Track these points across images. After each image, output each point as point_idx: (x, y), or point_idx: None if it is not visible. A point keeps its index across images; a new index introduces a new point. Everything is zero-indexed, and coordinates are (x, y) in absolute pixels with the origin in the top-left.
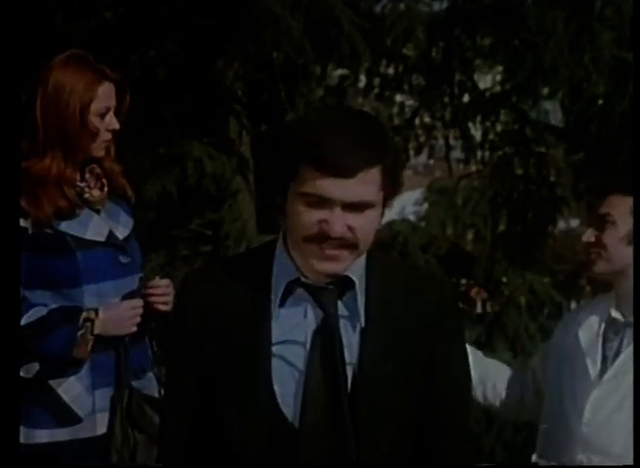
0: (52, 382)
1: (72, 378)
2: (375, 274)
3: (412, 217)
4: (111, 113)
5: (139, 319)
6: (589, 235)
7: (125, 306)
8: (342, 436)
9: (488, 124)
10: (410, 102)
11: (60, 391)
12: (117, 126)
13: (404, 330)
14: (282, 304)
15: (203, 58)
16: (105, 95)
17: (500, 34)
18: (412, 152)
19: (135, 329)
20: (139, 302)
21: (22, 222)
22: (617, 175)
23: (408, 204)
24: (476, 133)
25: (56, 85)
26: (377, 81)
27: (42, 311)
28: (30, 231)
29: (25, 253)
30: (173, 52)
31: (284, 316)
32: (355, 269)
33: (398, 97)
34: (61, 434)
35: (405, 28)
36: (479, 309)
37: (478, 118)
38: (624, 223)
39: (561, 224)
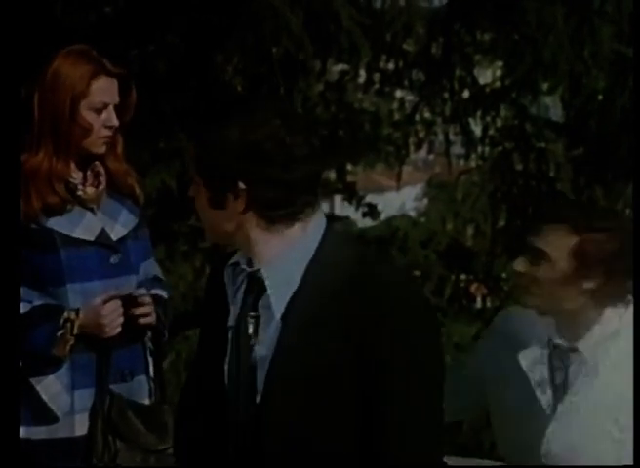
0: (32, 379)
1: (51, 377)
2: (318, 264)
3: (412, 213)
4: (110, 109)
5: (119, 322)
6: (518, 265)
7: (104, 309)
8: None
9: (488, 119)
10: (410, 98)
11: (38, 388)
12: (115, 122)
13: (326, 324)
14: (238, 288)
15: (203, 53)
16: (102, 90)
17: (499, 29)
18: (412, 147)
19: (116, 331)
20: (116, 305)
21: None
22: (575, 208)
23: (408, 199)
24: (476, 128)
25: (53, 77)
26: (377, 76)
27: (25, 308)
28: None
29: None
30: (172, 46)
31: (238, 300)
32: (273, 260)
33: (398, 93)
34: (38, 432)
35: (405, 23)
36: (479, 304)
37: (478, 113)
38: (562, 264)
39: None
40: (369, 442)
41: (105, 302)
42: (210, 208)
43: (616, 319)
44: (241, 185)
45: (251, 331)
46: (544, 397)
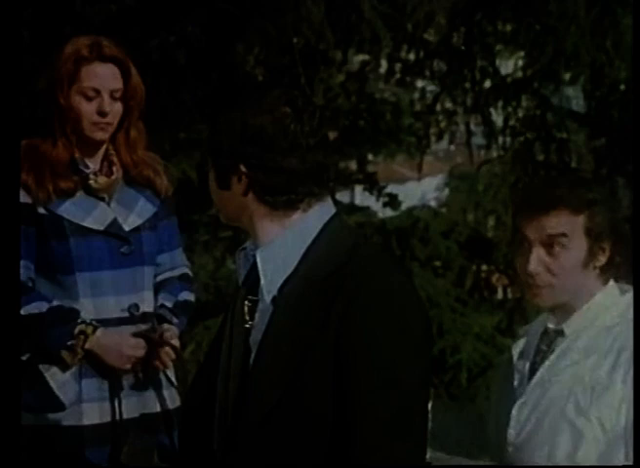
0: (41, 367)
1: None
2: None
3: (433, 203)
4: (104, 95)
5: (134, 359)
6: (536, 265)
7: (126, 342)
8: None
9: (509, 109)
10: (431, 88)
11: (47, 376)
12: (107, 109)
13: (309, 311)
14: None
15: (224, 43)
16: (93, 75)
17: (521, 19)
18: (433, 138)
19: (128, 367)
20: (139, 343)
21: (29, 199)
22: (565, 187)
23: (429, 190)
24: (497, 118)
25: (54, 63)
26: (398, 66)
27: (42, 307)
28: (34, 208)
29: (30, 229)
30: (193, 36)
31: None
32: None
33: (419, 83)
34: (45, 419)
35: (426, 14)
36: (500, 295)
37: (499, 104)
38: (580, 246)
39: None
40: (342, 433)
41: (135, 336)
42: (217, 188)
43: (609, 298)
44: (243, 168)
45: (247, 314)
46: (519, 379)
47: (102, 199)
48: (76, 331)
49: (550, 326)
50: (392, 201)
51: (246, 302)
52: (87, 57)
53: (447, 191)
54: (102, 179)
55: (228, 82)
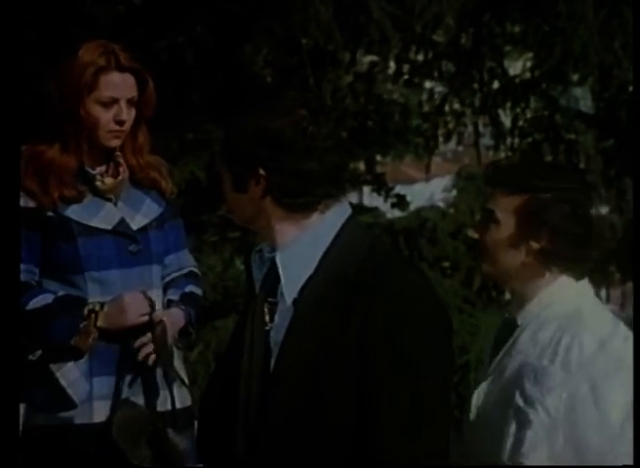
0: (52, 366)
1: (71, 364)
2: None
3: (441, 204)
4: (121, 104)
5: (143, 311)
6: (472, 231)
7: (128, 297)
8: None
9: (517, 110)
10: (439, 89)
11: (58, 375)
12: (125, 118)
13: (331, 312)
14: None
15: (232, 44)
16: (111, 84)
17: (530, 20)
18: (441, 139)
19: (140, 320)
20: (141, 295)
21: (32, 203)
22: (505, 170)
23: (437, 190)
24: (506, 119)
25: (66, 69)
26: (406, 67)
27: (48, 298)
28: (39, 212)
29: (34, 233)
30: (201, 37)
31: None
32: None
33: (427, 84)
34: (57, 418)
35: (435, 14)
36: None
37: (508, 105)
38: (508, 225)
39: (591, 211)
40: (363, 433)
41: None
42: (233, 191)
43: (559, 290)
44: (261, 171)
45: (267, 317)
46: (482, 373)
47: (109, 199)
48: (85, 311)
49: (507, 315)
50: (400, 201)
51: (265, 304)
52: (105, 66)
53: (455, 192)
54: (109, 180)
55: (236, 83)
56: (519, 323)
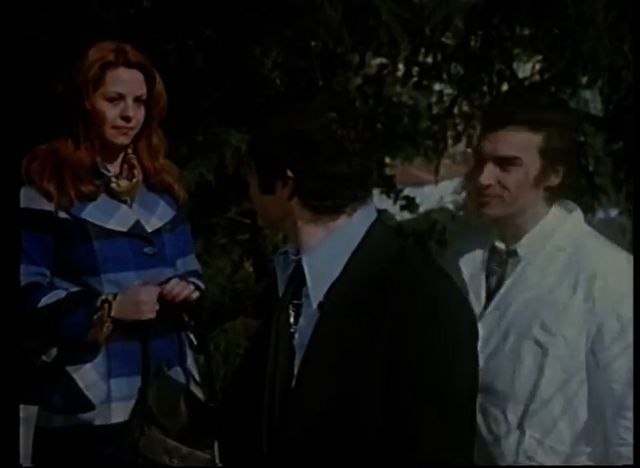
0: (69, 368)
1: (88, 365)
2: (362, 258)
3: (450, 206)
4: (128, 100)
5: (156, 305)
6: (488, 177)
7: (142, 290)
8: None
9: None
10: (448, 91)
11: (75, 377)
12: (131, 114)
13: (359, 316)
14: (287, 277)
15: (241, 47)
16: (117, 80)
17: (539, 23)
18: (450, 141)
19: (152, 314)
20: (154, 288)
21: (47, 206)
22: (519, 106)
23: (446, 193)
24: None
25: (77, 67)
26: (415, 70)
27: (61, 294)
28: (54, 215)
29: (47, 236)
30: (211, 40)
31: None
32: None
33: (437, 86)
34: (76, 420)
35: (444, 17)
36: None
37: None
38: (534, 165)
39: (600, 214)
40: (390, 436)
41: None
42: (260, 193)
43: (557, 219)
44: (289, 173)
45: (292, 319)
46: (478, 302)
47: (125, 202)
48: (98, 302)
49: (499, 245)
50: (410, 204)
51: (291, 307)
52: (112, 62)
53: (464, 194)
54: (124, 183)
55: (245, 85)
56: (520, 253)
